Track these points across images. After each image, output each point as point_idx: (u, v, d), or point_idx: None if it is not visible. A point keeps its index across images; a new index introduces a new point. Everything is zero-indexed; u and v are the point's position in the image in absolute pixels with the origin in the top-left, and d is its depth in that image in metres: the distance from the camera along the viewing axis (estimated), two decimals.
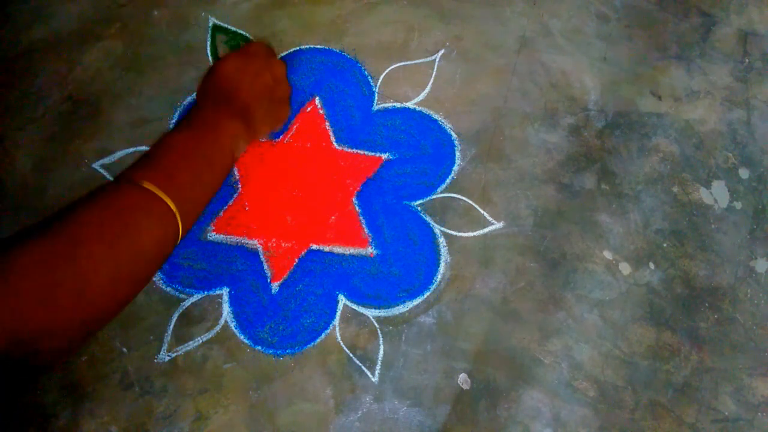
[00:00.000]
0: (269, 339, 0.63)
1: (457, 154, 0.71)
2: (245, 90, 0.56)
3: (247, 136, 0.58)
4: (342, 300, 0.65)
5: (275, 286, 0.65)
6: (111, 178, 0.67)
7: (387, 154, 0.70)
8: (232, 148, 0.55)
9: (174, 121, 0.70)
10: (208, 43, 0.73)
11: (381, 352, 0.63)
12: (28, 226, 0.39)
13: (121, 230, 0.42)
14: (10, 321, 0.35)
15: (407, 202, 0.69)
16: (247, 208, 0.67)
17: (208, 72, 0.58)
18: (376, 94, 0.73)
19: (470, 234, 0.68)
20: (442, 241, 0.67)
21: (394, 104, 0.73)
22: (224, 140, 0.54)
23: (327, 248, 0.66)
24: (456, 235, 0.67)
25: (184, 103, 0.71)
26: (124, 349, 0.62)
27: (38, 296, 0.36)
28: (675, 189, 0.71)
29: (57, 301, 0.37)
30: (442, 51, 0.75)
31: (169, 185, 0.46)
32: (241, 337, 0.63)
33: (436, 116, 0.72)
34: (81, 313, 0.39)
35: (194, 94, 0.71)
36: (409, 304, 0.65)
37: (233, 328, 0.63)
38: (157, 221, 0.45)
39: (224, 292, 0.64)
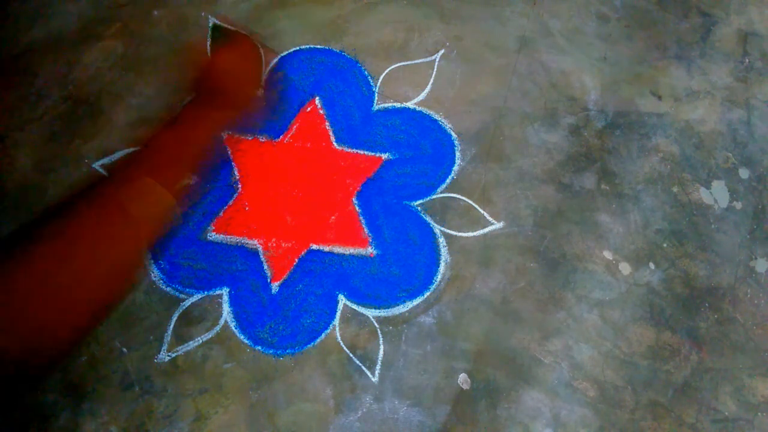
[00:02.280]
0: (269, 339, 0.63)
1: (457, 154, 0.71)
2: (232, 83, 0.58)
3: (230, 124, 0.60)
4: (342, 300, 0.65)
5: (275, 286, 0.65)
6: None
7: (387, 154, 0.70)
8: (217, 131, 0.58)
9: None
10: (209, 43, 0.73)
11: (381, 352, 0.63)
12: (22, 225, 0.41)
13: (112, 229, 0.44)
14: (12, 321, 0.36)
15: (407, 202, 0.69)
16: (247, 208, 0.67)
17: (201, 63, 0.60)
18: (376, 94, 0.73)
19: (470, 234, 0.68)
20: (442, 241, 0.67)
21: (394, 104, 0.73)
22: (209, 127, 0.57)
23: (327, 248, 0.66)
24: (456, 235, 0.67)
25: (184, 102, 0.71)
26: (124, 349, 0.62)
27: (39, 295, 0.38)
28: (675, 189, 0.71)
29: (56, 299, 0.39)
30: (442, 51, 0.75)
31: (162, 175, 0.48)
32: (241, 337, 0.63)
33: (436, 116, 0.72)
34: (77, 313, 0.41)
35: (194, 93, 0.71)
36: (409, 304, 0.65)
37: (233, 328, 0.63)
38: (155, 205, 0.47)
39: (224, 292, 0.64)
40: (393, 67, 0.74)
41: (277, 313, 0.64)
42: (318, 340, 0.63)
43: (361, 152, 0.70)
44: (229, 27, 0.74)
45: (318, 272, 0.65)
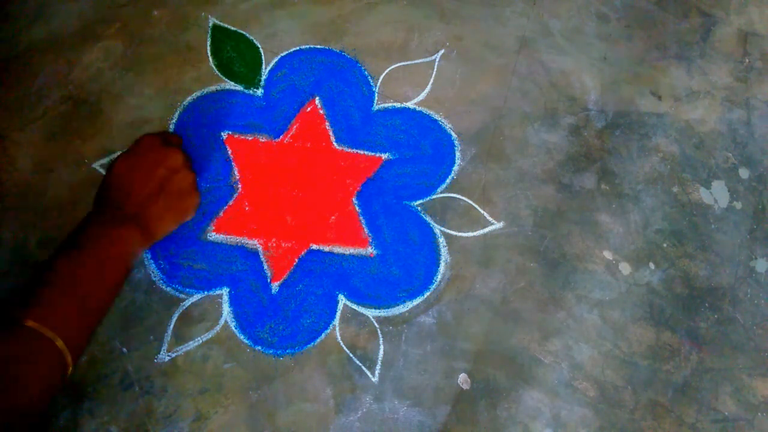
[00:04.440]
0: (269, 339, 0.63)
1: (457, 154, 0.71)
2: (136, 191, 0.53)
3: (145, 240, 0.54)
4: (342, 300, 0.65)
5: (275, 286, 0.65)
6: None
7: (387, 154, 0.70)
8: (126, 259, 0.52)
9: (174, 121, 0.70)
10: (208, 43, 0.73)
11: (381, 352, 0.63)
12: None
13: (8, 379, 0.40)
14: None
15: (407, 202, 0.69)
16: (247, 208, 0.67)
17: (104, 177, 0.55)
18: (376, 94, 0.73)
19: (470, 234, 0.68)
20: (442, 241, 0.67)
21: (394, 104, 0.73)
22: (116, 254, 0.51)
23: (327, 248, 0.66)
24: (456, 235, 0.67)
25: (184, 103, 0.71)
26: (124, 349, 0.62)
27: None
28: (675, 189, 0.71)
29: None
30: (442, 51, 0.75)
31: (56, 321, 0.43)
32: (241, 337, 0.63)
33: (436, 116, 0.72)
34: None
35: (194, 93, 0.71)
36: (409, 304, 0.65)
37: (233, 328, 0.63)
38: (44, 362, 0.43)
39: (224, 292, 0.64)
40: (393, 67, 0.74)
41: (277, 313, 0.64)
42: (318, 340, 0.63)
43: (361, 152, 0.70)
44: (230, 27, 0.74)
45: (318, 272, 0.65)
